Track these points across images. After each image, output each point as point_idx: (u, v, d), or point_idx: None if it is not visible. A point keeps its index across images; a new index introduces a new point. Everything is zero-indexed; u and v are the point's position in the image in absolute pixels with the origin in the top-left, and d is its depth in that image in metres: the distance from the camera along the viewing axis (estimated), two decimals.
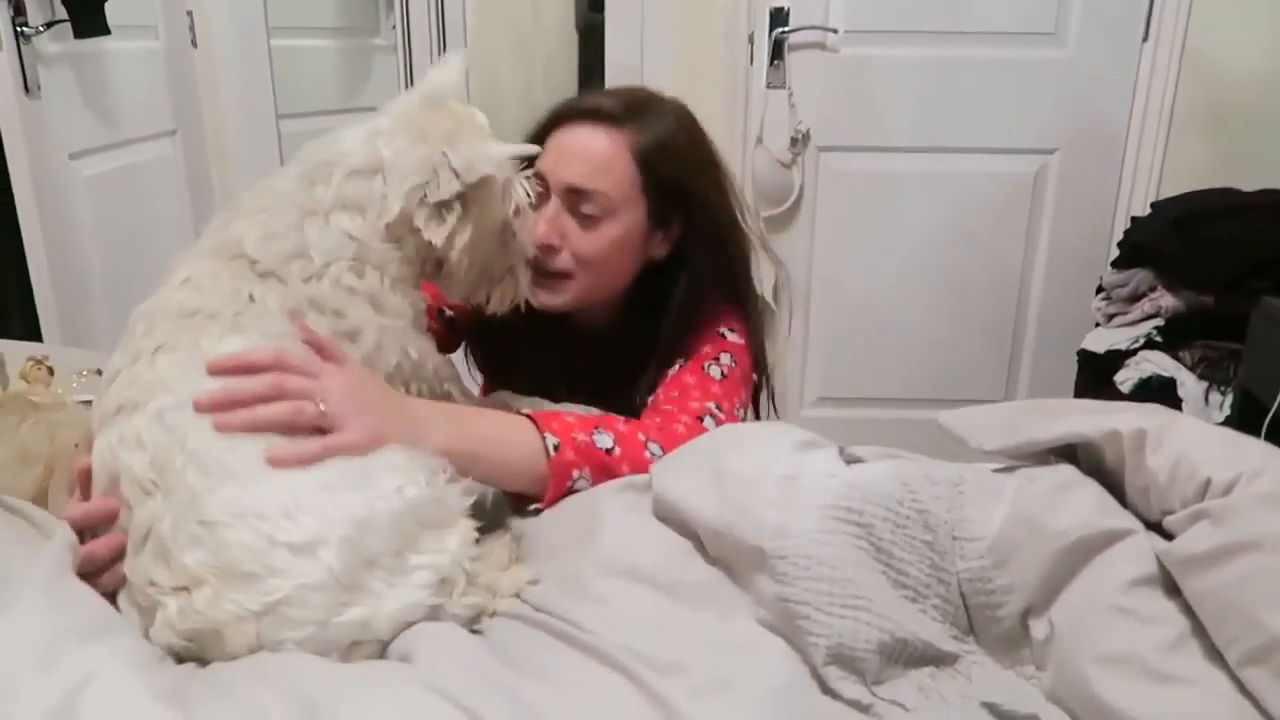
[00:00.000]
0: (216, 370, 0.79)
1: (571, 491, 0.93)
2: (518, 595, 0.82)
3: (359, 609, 0.72)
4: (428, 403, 0.93)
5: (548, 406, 1.07)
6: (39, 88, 1.92)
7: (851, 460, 0.85)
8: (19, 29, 1.85)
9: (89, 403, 1.02)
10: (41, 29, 1.90)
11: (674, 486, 0.84)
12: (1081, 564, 0.72)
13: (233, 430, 0.76)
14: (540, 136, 1.13)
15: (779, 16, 2.34)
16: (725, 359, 1.13)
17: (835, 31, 2.34)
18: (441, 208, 0.90)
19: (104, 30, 2.01)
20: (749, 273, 1.23)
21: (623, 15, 2.40)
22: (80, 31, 1.97)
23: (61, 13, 1.94)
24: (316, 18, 3.07)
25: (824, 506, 0.76)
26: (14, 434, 0.86)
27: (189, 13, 2.58)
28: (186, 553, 0.71)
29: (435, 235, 0.90)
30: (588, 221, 1.09)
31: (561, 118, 1.12)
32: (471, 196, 0.91)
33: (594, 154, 1.08)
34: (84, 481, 0.78)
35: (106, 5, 2.01)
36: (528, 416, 0.95)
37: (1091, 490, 0.76)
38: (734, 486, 0.80)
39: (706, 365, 1.11)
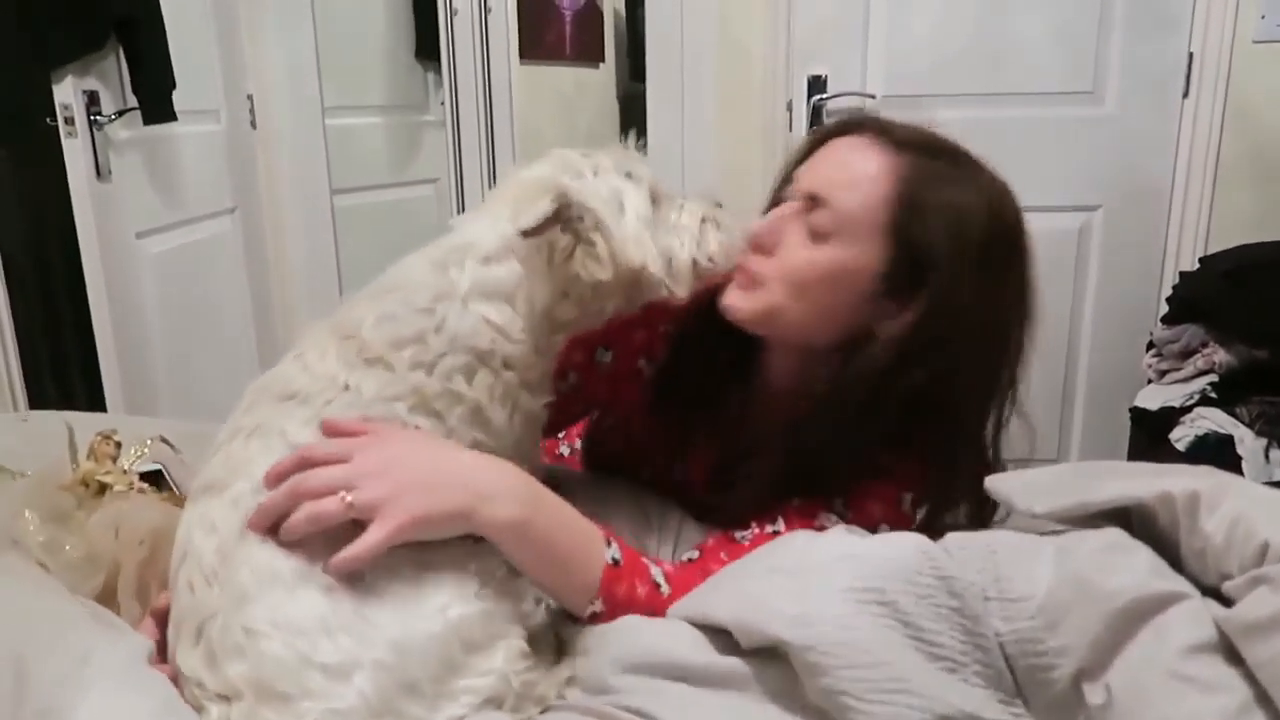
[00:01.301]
0: (267, 483, 0.75)
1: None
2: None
3: None
4: (501, 468, 0.80)
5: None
6: (109, 171, 2.02)
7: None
8: (92, 118, 1.95)
9: (155, 475, 1.05)
10: (113, 117, 2.00)
11: (690, 604, 0.82)
12: (1137, 626, 0.70)
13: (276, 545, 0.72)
14: (820, 142, 0.98)
15: (817, 84, 2.38)
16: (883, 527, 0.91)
17: (873, 97, 2.37)
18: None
19: (172, 117, 2.11)
20: (978, 442, 0.96)
21: (663, 85, 2.47)
22: (150, 119, 2.07)
23: (132, 101, 2.04)
24: (369, 96, 3.20)
25: (843, 590, 0.74)
26: (82, 532, 0.85)
27: (249, 96, 2.70)
28: (230, 662, 0.69)
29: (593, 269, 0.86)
30: (814, 235, 0.91)
31: (849, 127, 0.96)
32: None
33: (852, 167, 0.91)
34: (158, 618, 0.76)
35: (174, 92, 2.11)
36: (606, 564, 0.82)
37: (1144, 553, 0.75)
38: (747, 583, 0.79)
39: (849, 521, 0.91)
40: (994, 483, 0.87)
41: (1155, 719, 0.66)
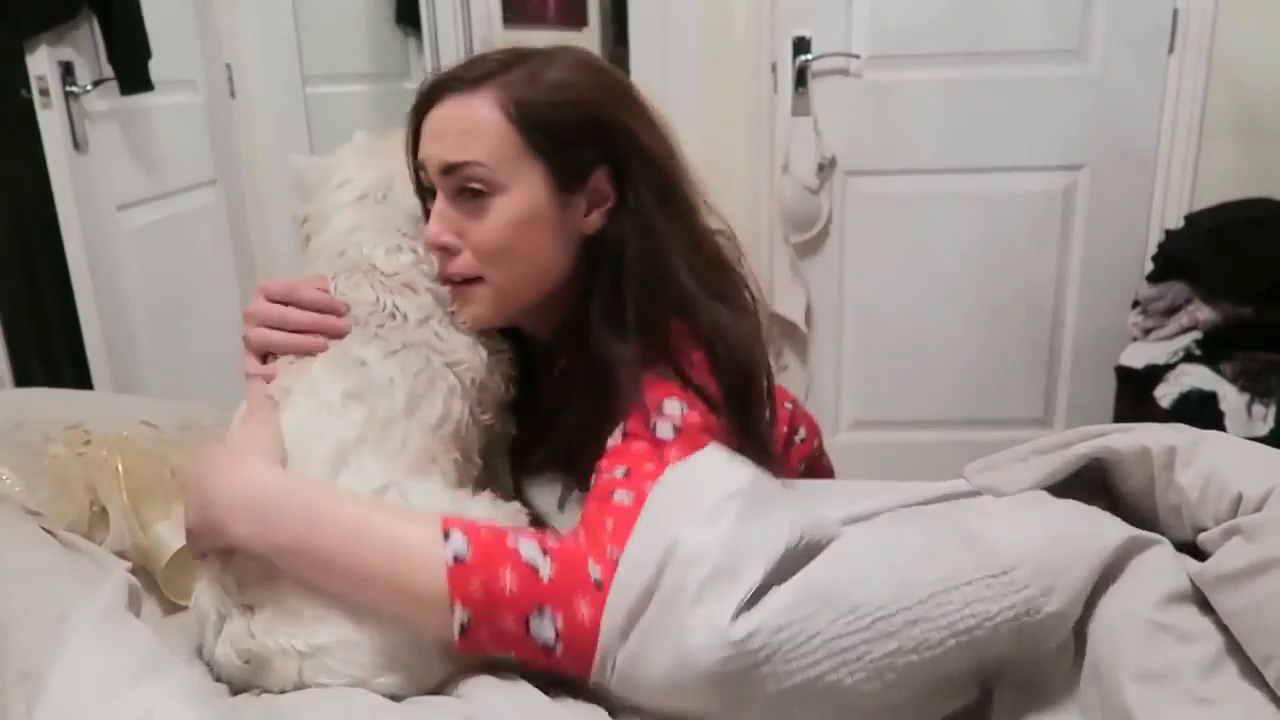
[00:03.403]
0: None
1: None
2: None
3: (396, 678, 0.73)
4: (256, 484, 0.75)
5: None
6: (87, 143, 1.99)
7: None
8: (68, 89, 1.92)
9: None
10: (89, 88, 1.97)
11: None
12: (1117, 574, 0.71)
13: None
14: (416, 127, 0.94)
15: (801, 45, 2.36)
16: (672, 406, 0.86)
17: (858, 57, 2.36)
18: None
19: (148, 86, 2.08)
20: (721, 263, 0.97)
21: (646, 48, 2.44)
22: (126, 88, 2.04)
23: (108, 71, 2.02)
24: (349, 64, 3.15)
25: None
26: (47, 467, 0.87)
27: (228, 65, 2.66)
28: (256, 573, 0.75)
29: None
30: (475, 207, 0.89)
31: (427, 100, 0.93)
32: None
33: (459, 121, 0.89)
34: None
35: (150, 62, 2.08)
36: (448, 563, 0.70)
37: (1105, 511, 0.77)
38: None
39: (652, 423, 0.85)
40: (970, 474, 0.88)
41: (1133, 667, 0.67)
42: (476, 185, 0.88)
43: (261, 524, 0.73)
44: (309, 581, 0.74)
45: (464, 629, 0.70)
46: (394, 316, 0.88)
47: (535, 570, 0.71)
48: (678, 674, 0.67)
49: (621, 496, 0.78)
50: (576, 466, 0.93)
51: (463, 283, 0.92)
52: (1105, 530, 0.73)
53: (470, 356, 0.91)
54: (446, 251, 0.91)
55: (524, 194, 0.89)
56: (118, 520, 0.84)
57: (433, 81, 0.92)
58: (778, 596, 0.68)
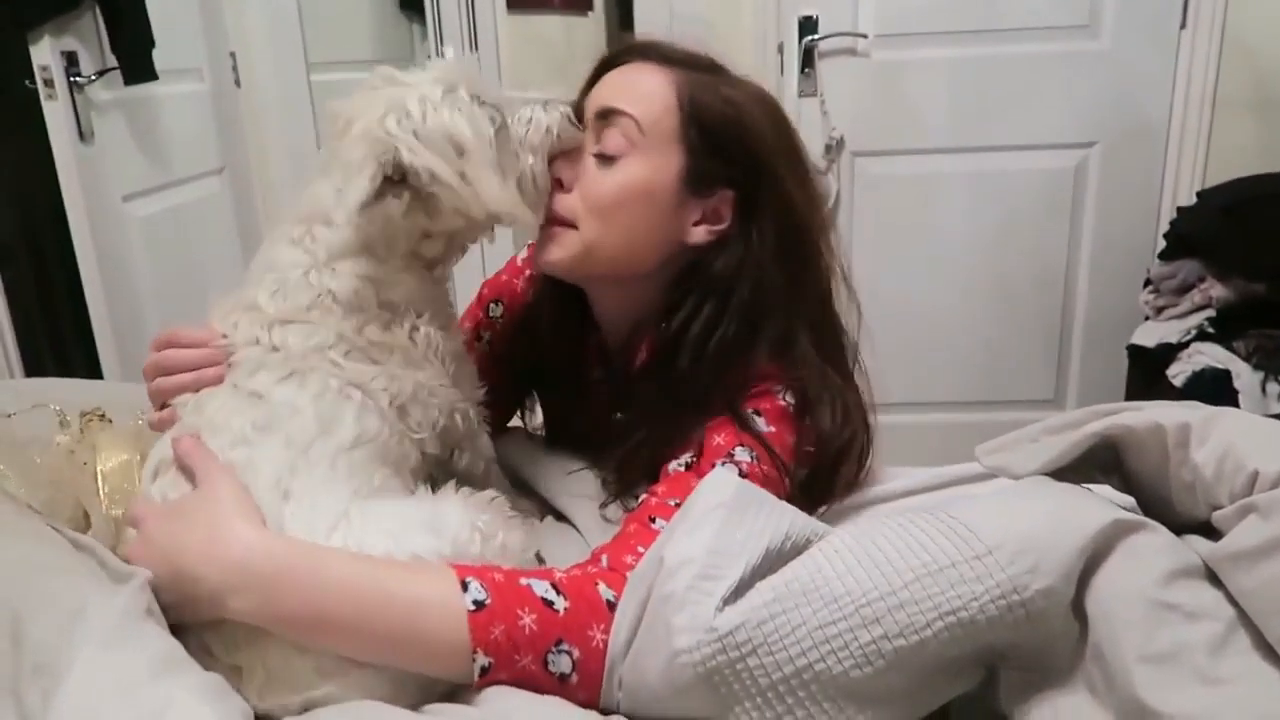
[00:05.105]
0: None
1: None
2: None
3: None
4: (267, 547, 0.70)
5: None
6: (92, 134, 2.00)
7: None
8: (72, 79, 1.92)
9: None
10: (93, 78, 1.97)
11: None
12: (1107, 553, 0.70)
13: None
14: (599, 74, 0.98)
15: (808, 25, 2.34)
16: (742, 454, 0.86)
17: (865, 37, 2.34)
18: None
19: (152, 76, 2.08)
20: (832, 319, 1.00)
21: (652, 31, 2.42)
22: (130, 78, 2.04)
23: (112, 61, 2.01)
24: (353, 51, 3.14)
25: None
26: (41, 467, 0.87)
27: (232, 54, 2.66)
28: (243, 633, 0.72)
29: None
30: (606, 161, 0.92)
31: (619, 57, 0.97)
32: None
33: (634, 84, 0.93)
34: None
35: (154, 51, 2.08)
36: (469, 611, 0.70)
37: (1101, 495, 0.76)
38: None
39: (720, 464, 0.85)
40: (982, 454, 0.87)
41: (1139, 648, 0.66)
42: (619, 146, 0.91)
43: (265, 596, 0.68)
44: (312, 646, 0.70)
45: (484, 671, 0.70)
46: (276, 349, 0.83)
47: (551, 605, 0.72)
48: (671, 677, 0.67)
49: (661, 524, 0.80)
50: (621, 470, 0.96)
51: (558, 224, 0.94)
52: (1091, 508, 0.72)
53: (389, 384, 0.85)
54: (560, 186, 0.93)
55: (654, 168, 0.91)
56: (98, 525, 0.84)
57: (634, 44, 0.98)
58: (761, 592, 0.68)
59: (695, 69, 0.95)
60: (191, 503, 0.74)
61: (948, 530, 0.70)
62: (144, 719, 0.61)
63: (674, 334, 0.93)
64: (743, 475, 0.84)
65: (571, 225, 0.93)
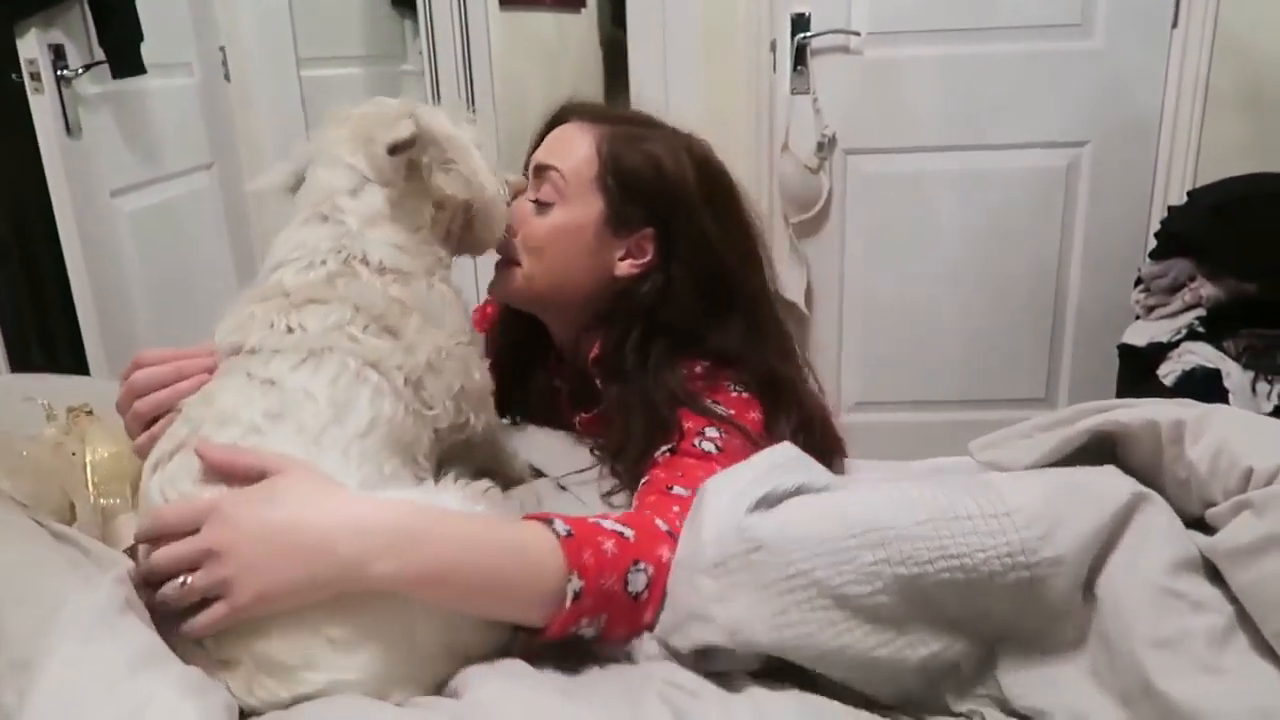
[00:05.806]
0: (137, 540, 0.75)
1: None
2: None
3: None
4: (376, 515, 0.73)
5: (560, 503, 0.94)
6: (80, 128, 1.98)
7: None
8: (59, 73, 1.90)
9: None
10: (81, 71, 1.95)
11: None
12: (1121, 531, 0.71)
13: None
14: (543, 134, 1.15)
15: (800, 22, 2.34)
16: (711, 431, 0.98)
17: (858, 34, 2.34)
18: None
19: (140, 70, 2.06)
20: (760, 343, 1.09)
21: (645, 29, 2.42)
22: (118, 72, 2.02)
23: (100, 55, 2.00)
24: (344, 46, 3.13)
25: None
26: (26, 459, 0.86)
27: (221, 48, 2.64)
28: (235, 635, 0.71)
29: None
30: (541, 207, 1.08)
31: (560, 116, 1.14)
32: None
33: (563, 141, 1.10)
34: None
35: (143, 45, 2.06)
36: (560, 537, 0.76)
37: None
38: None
39: (696, 443, 0.97)
40: (976, 450, 0.89)
41: (1148, 632, 0.66)
42: (550, 195, 1.07)
43: (404, 558, 0.70)
44: (430, 600, 0.72)
45: (576, 596, 0.75)
46: (291, 331, 0.83)
47: (623, 534, 0.80)
48: (691, 560, 0.77)
49: (680, 490, 0.90)
50: (626, 464, 1.04)
51: (507, 261, 1.11)
52: (1113, 483, 0.73)
53: (405, 359, 0.86)
54: (509, 231, 1.07)
55: (578, 213, 1.08)
56: (84, 516, 0.83)
57: (570, 105, 1.15)
58: (788, 508, 0.77)
59: (621, 124, 1.11)
60: (276, 487, 0.72)
61: (975, 489, 0.73)
62: (124, 715, 0.60)
63: (612, 351, 1.07)
64: (718, 450, 0.96)
65: (516, 263, 1.10)
